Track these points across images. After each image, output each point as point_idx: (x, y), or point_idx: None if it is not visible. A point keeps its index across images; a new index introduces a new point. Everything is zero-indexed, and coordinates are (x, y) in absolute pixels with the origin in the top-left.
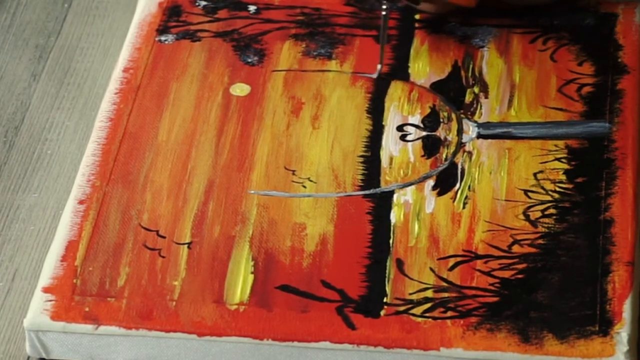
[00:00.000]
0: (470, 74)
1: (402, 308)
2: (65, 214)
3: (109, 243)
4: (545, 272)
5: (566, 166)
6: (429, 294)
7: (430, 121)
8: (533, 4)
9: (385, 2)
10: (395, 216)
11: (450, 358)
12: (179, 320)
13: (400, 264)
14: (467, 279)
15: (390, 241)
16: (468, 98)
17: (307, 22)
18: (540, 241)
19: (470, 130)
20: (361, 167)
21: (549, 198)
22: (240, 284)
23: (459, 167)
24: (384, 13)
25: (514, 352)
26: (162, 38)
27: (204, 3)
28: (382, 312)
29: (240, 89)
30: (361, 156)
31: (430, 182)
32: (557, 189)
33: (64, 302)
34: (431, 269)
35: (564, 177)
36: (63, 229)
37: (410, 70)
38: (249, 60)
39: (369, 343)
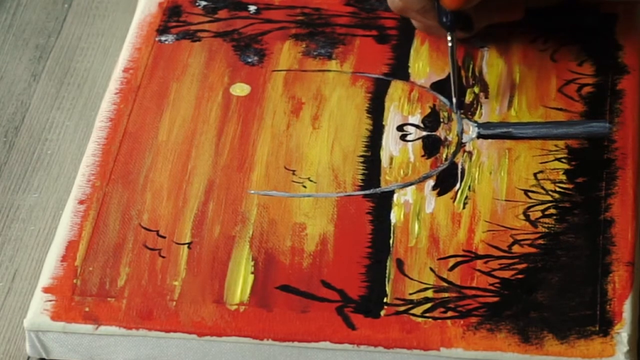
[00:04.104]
0: (470, 74)
1: (402, 308)
2: (65, 214)
3: (109, 243)
4: (546, 272)
5: (566, 166)
6: (429, 294)
7: (431, 121)
8: (536, 6)
9: (449, 33)
10: (395, 216)
11: (450, 358)
12: (179, 320)
13: (400, 264)
14: (467, 279)
15: (390, 241)
16: (468, 98)
17: (307, 22)
18: (540, 241)
19: (471, 130)
20: (361, 167)
21: (549, 198)
22: (240, 284)
23: (459, 167)
24: (450, 45)
25: (514, 352)
26: (162, 38)
27: (204, 3)
28: (382, 312)
29: (240, 89)
30: (361, 156)
31: (431, 182)
32: (557, 189)
33: (64, 302)
34: (431, 269)
35: (564, 177)
36: (63, 229)
37: (410, 70)
38: (249, 60)
39: (369, 343)
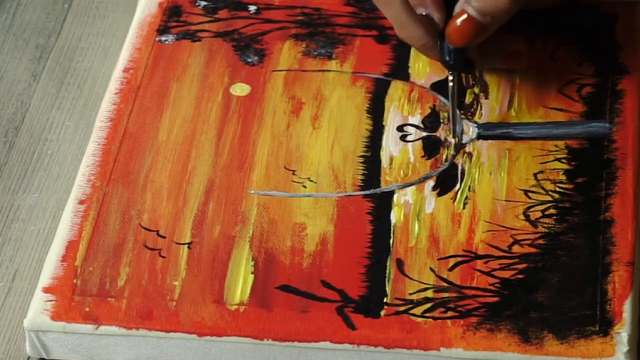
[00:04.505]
0: (470, 74)
1: (402, 308)
2: (65, 214)
3: (109, 243)
4: (546, 272)
5: (566, 166)
6: (429, 294)
7: (431, 122)
8: (536, 6)
9: (450, 72)
10: (395, 216)
11: (450, 358)
12: (179, 320)
13: (400, 264)
14: (467, 279)
15: (391, 241)
16: (468, 99)
17: (307, 22)
18: (540, 241)
19: (471, 130)
20: (361, 167)
21: (549, 198)
22: (240, 284)
23: (459, 167)
24: (450, 84)
25: (514, 352)
26: (162, 38)
27: (204, 3)
28: (382, 312)
29: (240, 89)
30: (361, 156)
31: (431, 183)
32: (557, 189)
33: (64, 302)
34: (431, 269)
35: (564, 177)
36: (63, 229)
37: (410, 71)
38: (249, 60)
39: (369, 343)
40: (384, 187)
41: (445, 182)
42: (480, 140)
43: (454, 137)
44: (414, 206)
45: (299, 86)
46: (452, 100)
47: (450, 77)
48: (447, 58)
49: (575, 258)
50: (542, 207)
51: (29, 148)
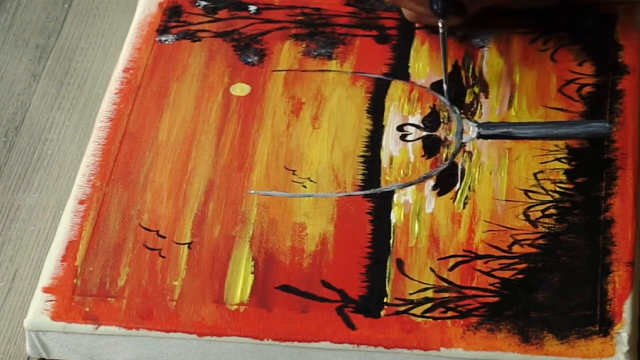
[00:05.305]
0: (470, 74)
1: (402, 308)
2: (65, 214)
3: (109, 243)
4: (546, 272)
5: (566, 166)
6: (429, 294)
7: (431, 121)
8: (535, 6)
9: (440, 20)
10: (395, 216)
11: (450, 358)
12: (179, 320)
13: (400, 264)
14: (467, 279)
15: (391, 241)
16: (468, 98)
17: (308, 22)
18: (540, 241)
19: (471, 130)
20: (361, 167)
21: (549, 198)
22: (240, 284)
23: (459, 167)
24: (441, 31)
25: (514, 352)
26: (162, 38)
27: (204, 3)
28: (382, 312)
29: (240, 89)
30: (361, 156)
31: (431, 182)
32: (558, 189)
33: (64, 302)
34: (431, 269)
35: (564, 177)
36: (63, 229)
37: (410, 70)
38: (249, 60)
39: (369, 343)
40: (384, 186)
41: (445, 181)
42: (480, 140)
43: (446, 82)
44: (414, 206)
45: (299, 86)
46: (443, 47)
47: (440, 25)
48: (436, 6)
49: (575, 258)
50: (542, 207)
51: (29, 148)
